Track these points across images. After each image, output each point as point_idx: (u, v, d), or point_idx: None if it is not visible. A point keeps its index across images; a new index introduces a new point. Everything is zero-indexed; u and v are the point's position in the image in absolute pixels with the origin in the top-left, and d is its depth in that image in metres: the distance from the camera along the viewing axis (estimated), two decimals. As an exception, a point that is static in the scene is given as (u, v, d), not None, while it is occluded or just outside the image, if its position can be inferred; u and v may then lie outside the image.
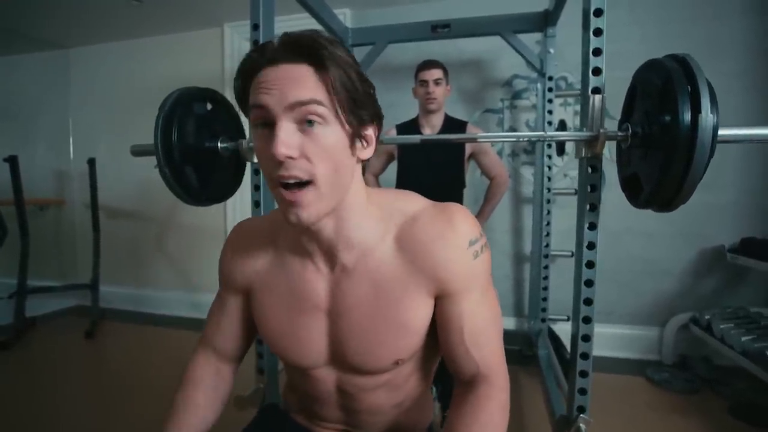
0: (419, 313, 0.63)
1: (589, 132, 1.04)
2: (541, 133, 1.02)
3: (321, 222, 0.59)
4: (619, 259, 2.36)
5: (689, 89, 0.86)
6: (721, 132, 0.86)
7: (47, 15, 2.81)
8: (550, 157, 2.15)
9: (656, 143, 0.94)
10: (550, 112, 1.98)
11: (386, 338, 0.63)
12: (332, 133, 0.54)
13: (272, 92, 0.51)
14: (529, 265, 2.46)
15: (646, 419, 1.77)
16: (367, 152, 0.61)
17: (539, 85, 2.13)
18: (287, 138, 0.51)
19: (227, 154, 1.31)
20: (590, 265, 1.11)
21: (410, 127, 1.86)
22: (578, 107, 2.38)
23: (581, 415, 1.13)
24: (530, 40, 2.17)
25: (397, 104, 2.53)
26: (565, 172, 2.41)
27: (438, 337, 0.65)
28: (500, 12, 2.01)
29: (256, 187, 1.34)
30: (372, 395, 0.70)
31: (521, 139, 1.06)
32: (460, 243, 0.61)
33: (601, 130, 1.02)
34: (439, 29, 1.98)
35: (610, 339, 2.37)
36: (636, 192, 1.06)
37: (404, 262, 0.62)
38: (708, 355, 2.18)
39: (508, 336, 2.39)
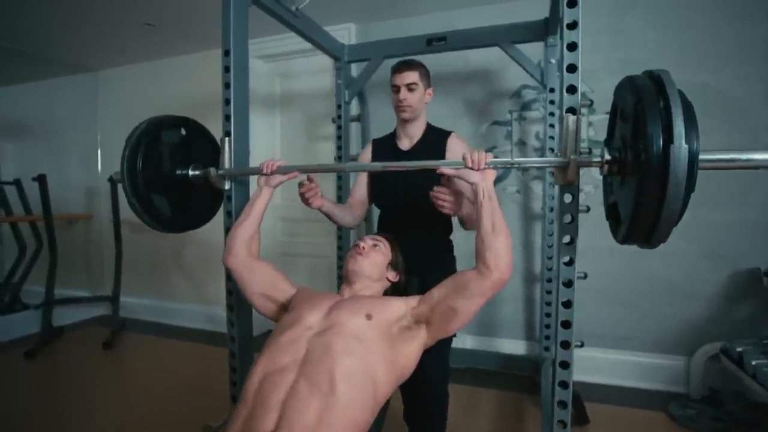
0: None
1: (561, 158, 0.94)
2: (507, 159, 0.93)
3: None
4: (639, 281, 2.17)
5: (662, 113, 0.75)
6: (702, 157, 0.75)
7: (76, 41, 2.98)
8: (557, 172, 2.01)
9: (631, 171, 0.83)
10: (552, 125, 1.85)
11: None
12: None
13: None
14: (540, 284, 2.32)
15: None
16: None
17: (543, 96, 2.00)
18: None
19: (199, 181, 1.30)
20: (569, 288, 0.99)
21: (387, 140, 1.58)
22: (592, 118, 2.23)
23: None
24: (538, 48, 2.04)
25: (400, 118, 2.47)
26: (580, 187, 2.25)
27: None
28: (509, 21, 1.87)
29: (228, 214, 1.32)
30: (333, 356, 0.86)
31: (490, 166, 0.97)
32: None
33: (572, 156, 0.91)
34: (435, 42, 1.90)
35: (629, 367, 2.18)
36: (617, 223, 0.95)
37: None
38: (741, 389, 1.95)
39: (518, 362, 2.28)
